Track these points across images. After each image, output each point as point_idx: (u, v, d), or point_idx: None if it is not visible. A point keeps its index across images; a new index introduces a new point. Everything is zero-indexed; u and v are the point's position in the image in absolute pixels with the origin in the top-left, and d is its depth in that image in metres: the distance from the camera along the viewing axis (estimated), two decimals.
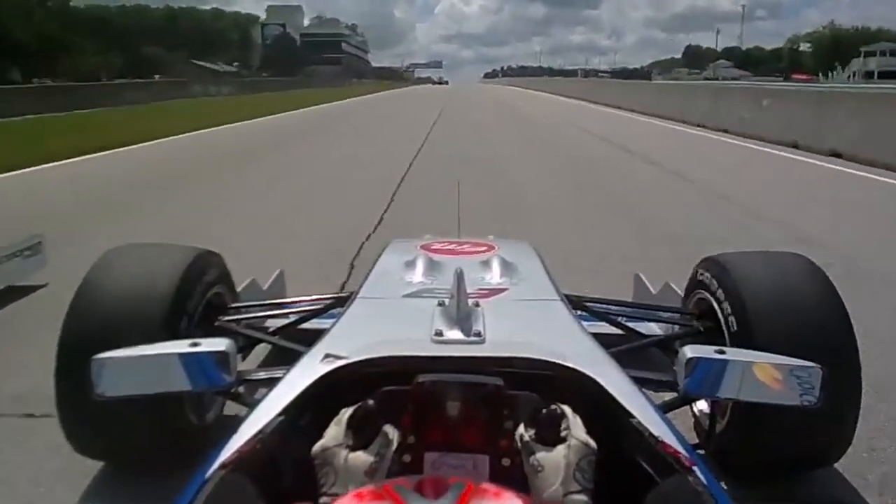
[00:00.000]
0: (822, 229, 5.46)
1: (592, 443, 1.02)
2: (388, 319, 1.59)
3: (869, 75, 58.69)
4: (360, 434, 1.03)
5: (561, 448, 1.01)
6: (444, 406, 1.09)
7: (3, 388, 2.57)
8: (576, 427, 1.04)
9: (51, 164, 9.47)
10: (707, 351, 1.27)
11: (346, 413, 1.06)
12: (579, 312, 1.98)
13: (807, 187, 7.79)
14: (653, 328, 2.53)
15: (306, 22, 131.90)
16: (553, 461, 1.00)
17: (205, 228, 5.33)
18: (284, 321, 2.35)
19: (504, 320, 1.43)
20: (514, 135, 14.86)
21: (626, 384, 1.20)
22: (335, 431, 1.04)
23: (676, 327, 2.27)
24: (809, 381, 1.22)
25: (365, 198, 6.79)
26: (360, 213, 6.00)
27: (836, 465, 1.94)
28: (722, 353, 1.26)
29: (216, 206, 6.52)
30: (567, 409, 1.06)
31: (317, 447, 1.03)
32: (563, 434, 1.03)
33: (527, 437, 1.05)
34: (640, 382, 1.31)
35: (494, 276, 1.85)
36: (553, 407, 1.06)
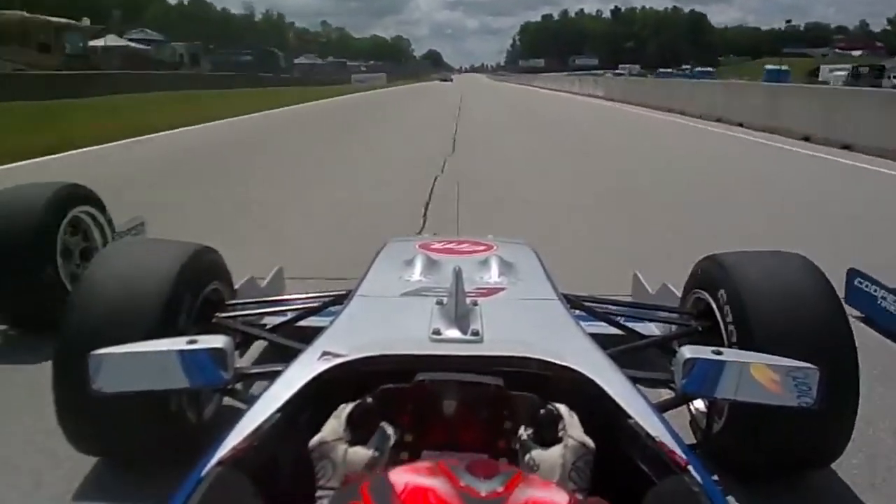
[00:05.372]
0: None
1: (590, 443, 1.02)
2: (386, 318, 1.59)
3: None
4: (359, 430, 1.03)
5: (558, 448, 1.01)
6: (443, 405, 1.09)
7: None
8: (573, 427, 1.04)
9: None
10: (704, 351, 1.27)
11: (345, 409, 1.06)
12: (577, 312, 1.98)
13: None
14: (651, 328, 2.53)
15: None
16: (549, 461, 1.00)
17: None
18: (282, 318, 2.35)
19: (502, 320, 1.43)
20: None
21: (623, 384, 1.20)
22: (334, 426, 1.05)
23: (674, 327, 2.27)
24: (806, 382, 1.22)
25: None
26: None
27: None
28: (719, 353, 1.26)
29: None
30: (564, 409, 1.07)
31: (314, 440, 1.03)
32: (560, 434, 1.03)
33: (524, 437, 1.05)
34: (638, 382, 1.31)
35: (493, 276, 1.85)
36: (551, 407, 1.07)
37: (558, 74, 60.79)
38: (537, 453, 1.02)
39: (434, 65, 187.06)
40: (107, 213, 3.34)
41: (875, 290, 3.31)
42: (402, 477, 0.70)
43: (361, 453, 1.01)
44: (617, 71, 68.70)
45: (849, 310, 3.18)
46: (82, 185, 3.24)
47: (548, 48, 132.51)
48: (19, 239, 2.79)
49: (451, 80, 79.08)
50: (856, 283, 3.44)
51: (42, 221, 2.86)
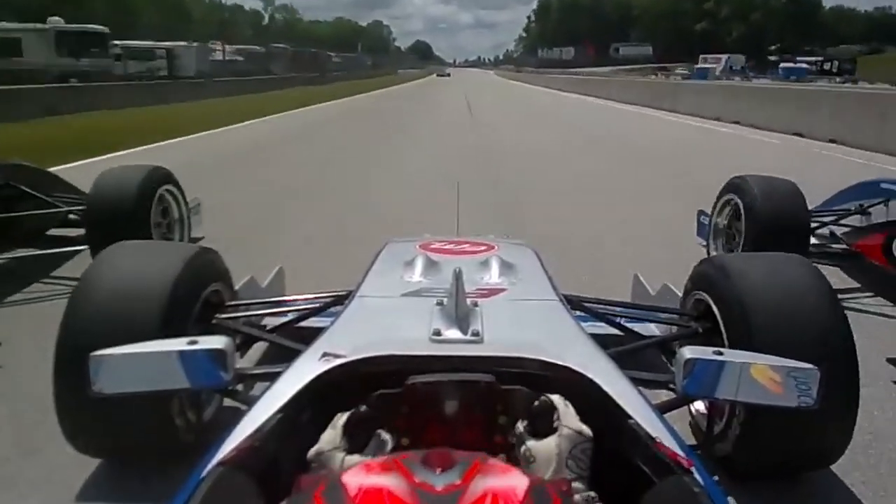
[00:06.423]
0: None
1: (587, 431, 1.02)
2: (386, 318, 1.59)
3: None
4: (356, 438, 1.03)
5: (553, 438, 1.02)
6: (438, 406, 1.10)
7: None
8: (567, 417, 1.04)
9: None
10: (705, 352, 1.27)
11: (341, 418, 1.06)
12: (578, 313, 1.98)
13: None
14: (651, 329, 2.53)
15: None
16: (545, 451, 1.01)
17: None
18: (282, 319, 2.35)
19: (503, 320, 1.43)
20: None
21: (624, 385, 1.20)
22: (331, 435, 1.04)
23: (675, 328, 2.27)
24: (807, 382, 1.22)
25: None
26: None
27: None
28: (720, 354, 1.26)
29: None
30: (558, 399, 1.07)
31: (312, 452, 1.03)
32: (555, 425, 1.03)
33: (520, 430, 1.06)
34: (639, 383, 1.31)
35: (493, 277, 1.85)
36: (544, 398, 1.07)
37: (610, 70, 41.26)
38: (532, 445, 1.02)
39: (422, 59, 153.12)
40: (182, 191, 4.16)
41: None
42: (355, 478, 0.70)
43: (359, 461, 1.01)
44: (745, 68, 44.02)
45: (697, 239, 4.28)
46: (163, 166, 4.04)
47: (578, 33, 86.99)
48: (124, 211, 3.54)
49: (449, 75, 78.96)
50: (701, 220, 4.25)
51: (140, 197, 3.66)
